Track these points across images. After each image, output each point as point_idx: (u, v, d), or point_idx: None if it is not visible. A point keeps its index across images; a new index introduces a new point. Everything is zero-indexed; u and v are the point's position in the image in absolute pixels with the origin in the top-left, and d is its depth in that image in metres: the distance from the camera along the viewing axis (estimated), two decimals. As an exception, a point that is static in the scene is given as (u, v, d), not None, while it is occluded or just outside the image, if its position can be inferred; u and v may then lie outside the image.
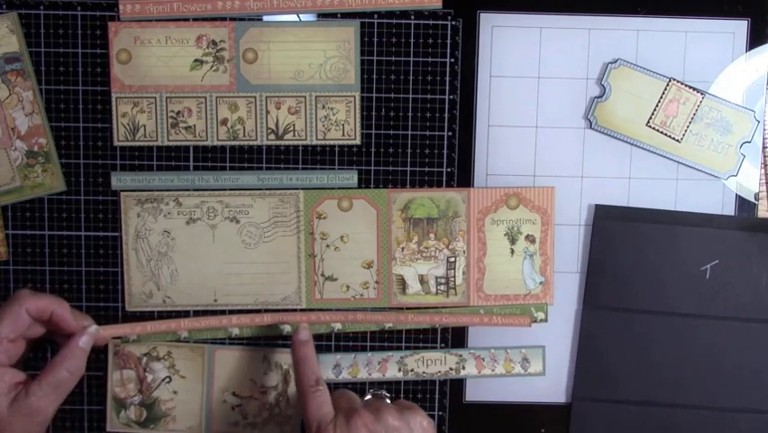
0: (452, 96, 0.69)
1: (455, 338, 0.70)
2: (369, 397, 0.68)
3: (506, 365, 0.70)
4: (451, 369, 0.70)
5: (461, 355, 0.70)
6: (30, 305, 0.62)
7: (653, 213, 0.69)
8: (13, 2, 0.67)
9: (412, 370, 0.70)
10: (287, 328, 0.69)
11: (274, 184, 0.69)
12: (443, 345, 0.70)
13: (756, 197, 0.70)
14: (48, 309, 0.62)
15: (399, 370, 0.70)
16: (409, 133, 0.69)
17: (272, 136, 0.68)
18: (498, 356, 0.70)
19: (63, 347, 0.63)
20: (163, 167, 0.68)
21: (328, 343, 0.70)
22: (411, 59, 0.68)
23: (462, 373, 0.70)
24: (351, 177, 0.69)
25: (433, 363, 0.70)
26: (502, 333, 0.70)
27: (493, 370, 0.70)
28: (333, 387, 0.70)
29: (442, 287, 0.70)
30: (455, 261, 0.70)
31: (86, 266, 0.69)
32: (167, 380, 0.70)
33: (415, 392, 0.71)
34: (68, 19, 0.67)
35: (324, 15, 0.68)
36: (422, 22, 0.68)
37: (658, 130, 0.69)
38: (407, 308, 0.70)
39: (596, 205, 0.69)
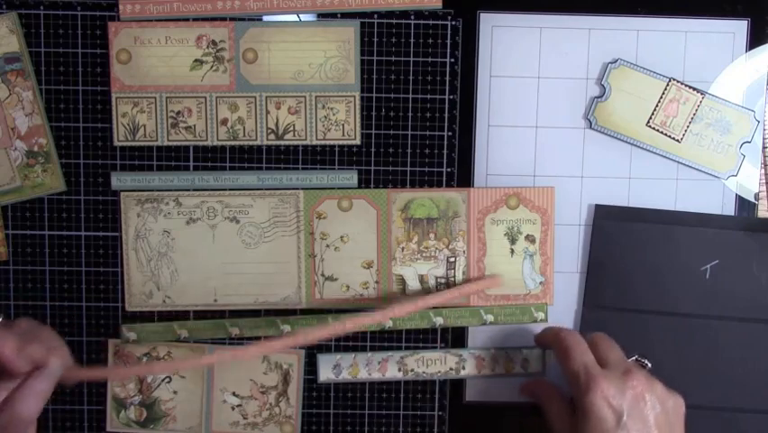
0: (452, 96, 0.69)
1: (455, 338, 0.70)
2: (632, 359, 0.66)
3: (506, 365, 0.70)
4: (451, 369, 0.70)
5: (461, 355, 0.70)
6: None
7: (654, 213, 0.69)
8: (13, 2, 0.67)
9: (412, 370, 0.70)
10: (287, 328, 0.69)
11: (274, 184, 0.69)
12: (443, 344, 0.70)
13: (756, 197, 0.70)
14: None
15: (399, 370, 0.70)
16: (409, 133, 0.69)
17: (272, 136, 0.68)
18: (498, 356, 0.70)
19: (15, 388, 0.56)
20: (163, 167, 0.68)
21: (328, 343, 0.70)
22: (411, 59, 0.68)
23: (462, 372, 0.70)
24: (351, 177, 0.69)
25: (433, 363, 0.70)
26: (502, 334, 0.70)
27: (493, 370, 0.70)
28: (333, 387, 0.70)
29: (442, 287, 0.70)
30: (455, 261, 0.70)
31: (86, 266, 0.69)
32: (167, 380, 0.70)
33: (415, 392, 0.71)
34: (68, 19, 0.67)
35: (324, 15, 0.68)
36: (422, 22, 0.68)
37: (658, 130, 0.69)
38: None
39: (596, 205, 0.69)
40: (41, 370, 0.56)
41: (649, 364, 0.65)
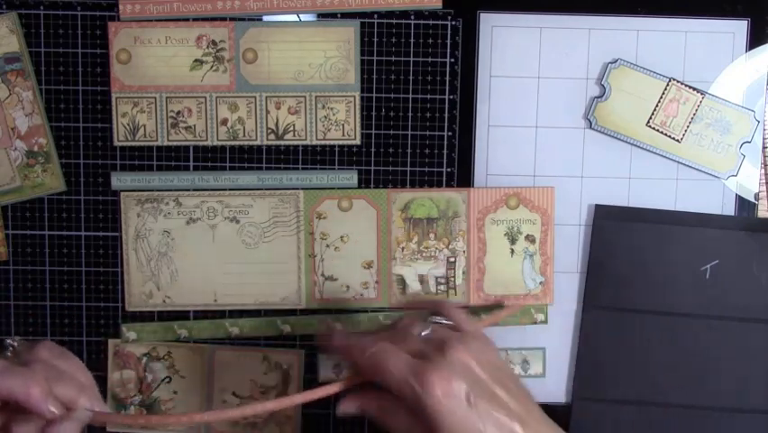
0: (452, 96, 0.69)
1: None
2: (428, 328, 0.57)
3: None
4: None
5: None
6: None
7: (654, 213, 0.69)
8: (13, 2, 0.67)
9: None
10: (287, 328, 0.69)
11: (274, 184, 0.69)
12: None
13: (756, 197, 0.70)
14: (10, 396, 0.50)
15: None
16: (409, 133, 0.69)
17: (272, 136, 0.68)
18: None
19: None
20: (163, 167, 0.68)
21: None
22: (411, 59, 0.68)
23: None
24: (351, 177, 0.69)
25: None
26: (503, 333, 0.70)
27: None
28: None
29: (442, 287, 0.70)
30: (455, 261, 0.70)
31: (86, 266, 0.69)
32: (167, 380, 0.70)
33: (415, 392, 0.71)
34: (68, 19, 0.67)
35: (324, 15, 0.68)
36: (422, 22, 0.68)
37: (658, 130, 0.69)
38: (408, 309, 0.70)
39: (596, 205, 0.69)
40: (69, 413, 0.51)
41: (446, 321, 0.59)
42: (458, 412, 0.51)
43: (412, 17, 0.68)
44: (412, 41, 0.68)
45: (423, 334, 0.55)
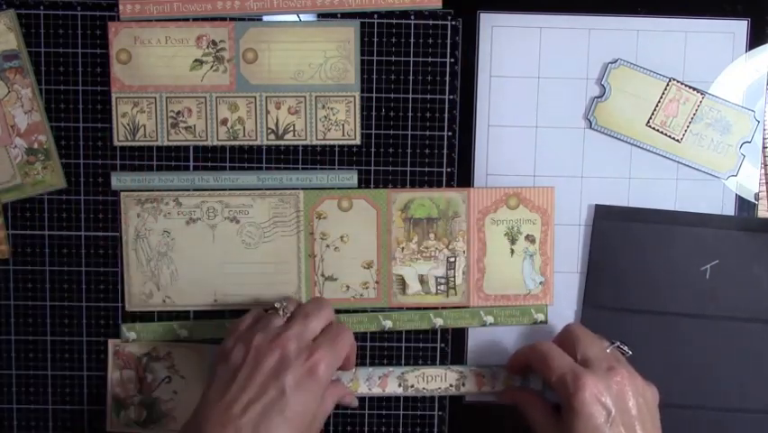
0: (452, 96, 0.69)
1: (455, 338, 0.70)
2: (609, 348, 0.64)
3: (506, 382, 0.70)
4: (451, 385, 0.70)
5: (461, 372, 0.70)
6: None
7: (654, 213, 0.69)
8: (12, 1, 0.67)
9: (412, 386, 0.70)
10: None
11: (274, 184, 0.69)
12: (443, 344, 0.70)
13: (756, 197, 0.70)
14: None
15: (399, 385, 0.70)
16: (409, 133, 0.69)
17: (272, 136, 0.68)
18: (498, 374, 0.70)
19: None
20: (163, 167, 0.68)
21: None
22: (411, 59, 0.68)
23: (463, 389, 0.70)
24: (351, 177, 0.69)
25: (433, 380, 0.70)
26: (503, 334, 0.70)
27: (493, 387, 0.70)
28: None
29: (442, 287, 0.70)
30: (455, 261, 0.70)
31: (86, 266, 0.69)
32: (167, 380, 0.70)
33: (415, 392, 0.71)
34: (68, 19, 0.67)
35: (324, 15, 0.68)
36: (422, 22, 0.68)
37: (658, 130, 0.69)
38: (408, 308, 0.70)
39: (596, 205, 0.69)
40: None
41: (629, 352, 0.65)
42: (594, 423, 0.58)
43: (412, 17, 0.68)
44: (412, 41, 0.68)
45: (607, 349, 0.63)
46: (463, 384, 0.70)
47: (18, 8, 0.67)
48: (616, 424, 0.58)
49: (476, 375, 0.70)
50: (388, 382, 0.69)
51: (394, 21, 0.68)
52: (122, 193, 0.68)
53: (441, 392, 0.70)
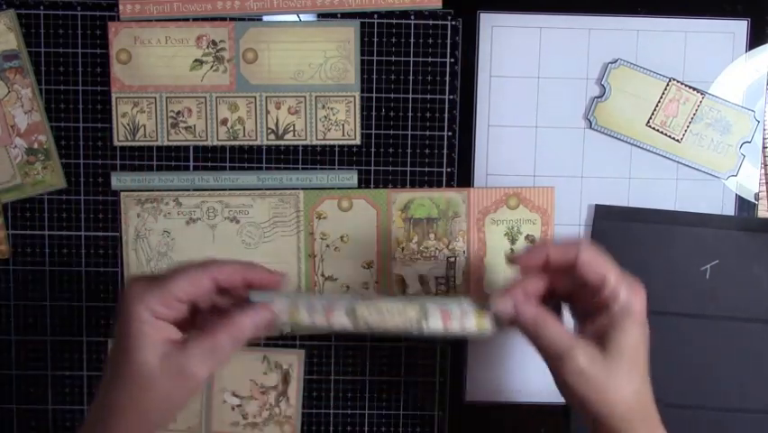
0: (452, 96, 0.69)
1: (455, 338, 0.71)
2: None
3: (477, 321, 0.57)
4: (411, 322, 0.57)
5: (424, 307, 0.57)
6: (217, 273, 0.54)
7: (654, 213, 0.69)
8: (13, 1, 0.67)
9: (364, 320, 0.57)
10: (287, 328, 0.69)
11: (274, 184, 0.69)
12: (443, 344, 0.70)
13: (756, 197, 0.70)
14: (233, 281, 0.55)
15: (349, 319, 0.57)
16: (409, 133, 0.69)
17: (272, 136, 0.68)
18: (467, 310, 0.57)
19: (236, 314, 0.54)
20: (163, 167, 0.68)
21: (328, 343, 0.70)
22: (411, 59, 0.68)
23: (425, 327, 0.57)
24: (351, 177, 0.69)
25: (390, 315, 0.58)
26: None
27: (463, 327, 0.57)
28: (333, 387, 0.70)
29: (442, 287, 0.70)
30: (455, 261, 0.70)
31: (86, 266, 0.69)
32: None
33: (414, 392, 0.71)
34: (68, 19, 0.67)
35: (324, 15, 0.68)
36: (422, 22, 0.68)
37: (658, 130, 0.69)
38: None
39: (596, 205, 0.69)
40: (268, 307, 0.55)
41: None
42: (643, 331, 0.54)
43: (412, 17, 0.68)
44: (412, 41, 0.68)
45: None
46: (425, 319, 0.57)
47: (18, 8, 0.67)
48: (647, 340, 0.55)
49: (441, 311, 0.57)
50: (335, 313, 0.57)
51: (394, 21, 0.68)
52: (122, 193, 0.68)
53: (399, 329, 0.57)
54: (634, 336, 0.54)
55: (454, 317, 0.58)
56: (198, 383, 0.53)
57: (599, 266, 0.55)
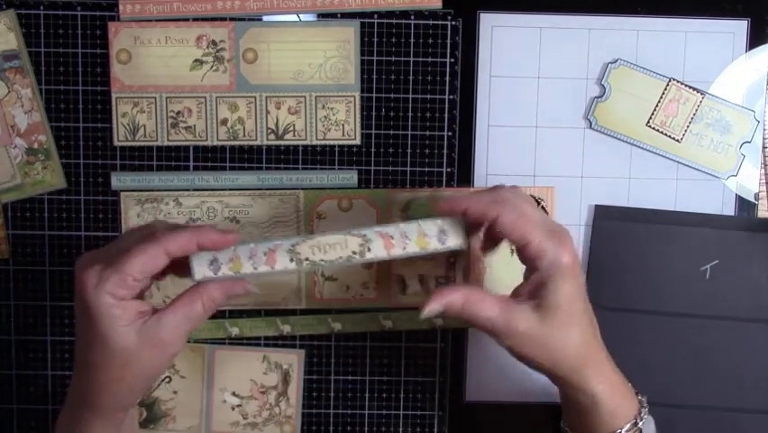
0: (452, 96, 0.69)
1: (455, 338, 0.71)
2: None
3: (419, 241, 0.57)
4: (354, 252, 0.57)
5: (364, 236, 0.57)
6: (171, 246, 0.53)
7: (653, 213, 0.69)
8: (13, 1, 0.67)
9: (307, 259, 0.56)
10: (287, 328, 0.70)
11: (274, 184, 0.69)
12: (443, 344, 0.71)
13: (756, 197, 0.70)
14: (187, 249, 0.54)
15: (291, 260, 0.56)
16: (409, 133, 0.69)
17: (272, 136, 0.68)
18: (408, 231, 0.57)
19: (206, 283, 0.56)
20: (163, 167, 0.68)
21: (328, 343, 0.70)
22: (411, 59, 0.68)
23: (368, 255, 0.57)
24: (351, 177, 0.69)
25: (332, 249, 0.57)
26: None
27: (405, 248, 0.57)
28: (333, 387, 0.71)
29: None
30: (455, 261, 0.70)
31: (86, 266, 0.69)
32: (167, 380, 0.70)
33: (414, 392, 0.71)
34: (68, 19, 0.67)
35: (324, 15, 0.68)
36: (422, 22, 0.68)
37: (658, 130, 0.69)
38: (408, 308, 0.70)
39: (596, 205, 0.69)
40: (240, 283, 0.57)
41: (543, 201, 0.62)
42: (575, 282, 0.55)
43: (412, 17, 0.68)
44: (412, 41, 0.68)
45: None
46: (368, 249, 0.57)
47: (18, 8, 0.67)
48: (587, 300, 0.57)
49: (382, 237, 0.57)
50: (276, 257, 0.56)
51: (394, 21, 0.68)
52: (122, 193, 0.68)
53: (342, 262, 0.57)
54: (566, 291, 0.54)
55: (395, 241, 0.57)
56: (178, 350, 0.55)
57: (521, 228, 0.54)
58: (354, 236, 0.57)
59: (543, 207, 0.62)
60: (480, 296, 0.55)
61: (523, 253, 0.55)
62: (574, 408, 0.59)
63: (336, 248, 0.57)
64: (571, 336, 0.55)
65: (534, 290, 0.55)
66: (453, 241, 0.57)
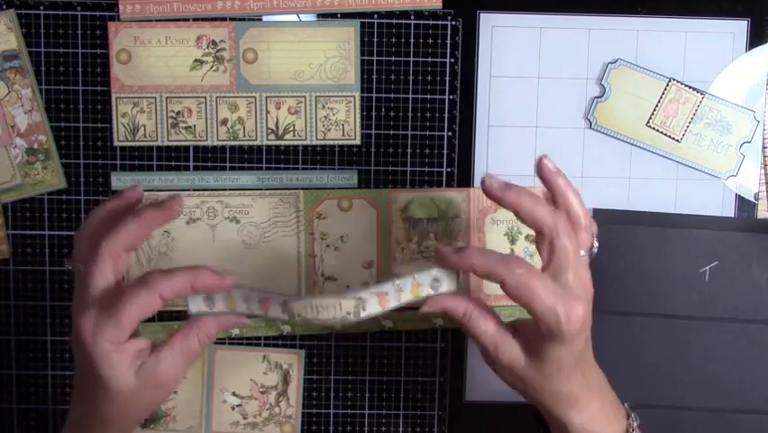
0: (452, 96, 0.69)
1: (455, 338, 0.71)
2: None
3: (413, 291, 0.57)
4: (348, 313, 0.56)
5: (359, 298, 0.56)
6: (165, 291, 0.53)
7: (652, 216, 0.69)
8: (13, 1, 0.67)
9: (299, 315, 0.56)
10: (287, 328, 0.70)
11: (274, 184, 0.69)
12: (443, 344, 0.71)
13: (756, 197, 0.70)
14: (181, 293, 0.54)
15: (284, 312, 0.56)
16: (409, 133, 0.69)
17: (272, 136, 0.68)
18: (403, 285, 0.57)
19: (201, 318, 0.56)
20: (163, 167, 0.68)
21: (328, 343, 0.70)
22: (411, 59, 0.68)
23: (363, 313, 0.56)
24: (351, 177, 0.69)
25: (325, 310, 0.56)
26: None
27: (399, 300, 0.56)
28: (333, 387, 0.71)
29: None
30: (455, 261, 0.69)
31: (86, 266, 0.69)
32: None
33: (414, 392, 0.71)
34: (68, 19, 0.67)
35: (324, 15, 0.68)
36: (422, 22, 0.68)
37: (658, 130, 0.69)
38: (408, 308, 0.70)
39: (594, 209, 0.69)
40: (234, 318, 0.57)
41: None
42: (577, 344, 0.54)
43: (412, 17, 0.68)
44: (412, 41, 0.68)
45: (582, 253, 0.56)
46: (363, 309, 0.56)
47: (18, 8, 0.67)
48: (587, 345, 0.56)
49: (376, 295, 0.56)
50: (270, 305, 0.57)
51: (394, 21, 0.68)
52: (122, 193, 0.68)
53: (337, 321, 0.56)
54: (560, 354, 0.54)
55: (390, 296, 0.57)
56: (176, 384, 0.56)
57: (526, 294, 0.52)
58: (349, 300, 0.56)
59: (593, 243, 0.59)
60: (480, 311, 0.55)
61: (527, 309, 0.54)
62: (550, 424, 0.59)
63: (330, 309, 0.56)
64: (555, 386, 0.56)
65: (533, 334, 0.54)
66: (446, 287, 0.57)
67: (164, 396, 0.57)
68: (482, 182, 0.56)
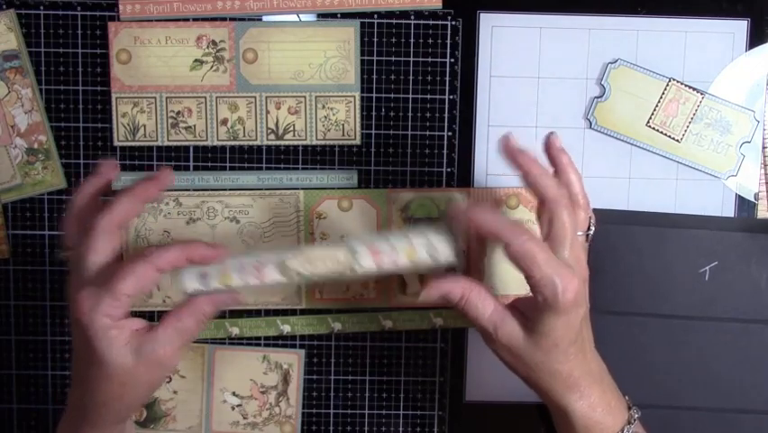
0: (452, 96, 0.69)
1: (455, 338, 0.71)
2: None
3: (409, 253, 0.57)
4: (345, 267, 0.57)
5: (352, 248, 0.57)
6: (160, 262, 0.54)
7: (652, 216, 0.69)
8: (13, 1, 0.67)
9: (297, 273, 0.57)
10: (287, 328, 0.70)
11: (274, 184, 0.69)
12: (443, 344, 0.71)
13: (756, 197, 0.70)
14: (179, 264, 0.55)
15: (281, 274, 0.57)
16: (409, 133, 0.69)
17: (272, 136, 0.68)
18: (397, 246, 0.57)
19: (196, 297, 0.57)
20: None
21: (328, 343, 0.70)
22: (411, 59, 0.68)
23: (359, 269, 0.57)
24: (351, 177, 0.69)
25: (321, 262, 0.57)
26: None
27: (395, 262, 0.57)
28: (333, 387, 0.71)
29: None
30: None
31: (86, 266, 0.69)
32: (167, 380, 0.70)
33: (414, 392, 0.71)
34: (68, 19, 0.67)
35: (324, 15, 0.68)
36: (422, 22, 0.68)
37: (658, 130, 0.69)
38: (408, 308, 0.70)
39: (593, 209, 0.69)
40: (230, 296, 0.57)
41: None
42: (575, 315, 0.54)
43: (412, 17, 0.68)
44: (412, 41, 0.68)
45: (579, 233, 0.57)
46: (356, 261, 0.56)
47: (18, 8, 0.67)
48: (584, 323, 0.57)
49: (369, 249, 0.57)
50: (265, 271, 0.57)
51: (394, 21, 0.68)
52: (122, 193, 0.68)
53: (333, 275, 0.57)
54: (557, 326, 0.54)
55: (384, 254, 0.57)
56: (174, 364, 0.56)
57: (527, 259, 0.53)
58: (342, 249, 0.57)
59: (590, 225, 0.60)
60: (478, 293, 0.56)
61: (526, 280, 0.55)
62: (551, 410, 0.60)
63: (325, 261, 0.57)
64: (553, 364, 0.56)
65: (530, 308, 0.55)
66: (443, 257, 0.57)
67: (160, 377, 0.57)
68: (502, 139, 0.57)
